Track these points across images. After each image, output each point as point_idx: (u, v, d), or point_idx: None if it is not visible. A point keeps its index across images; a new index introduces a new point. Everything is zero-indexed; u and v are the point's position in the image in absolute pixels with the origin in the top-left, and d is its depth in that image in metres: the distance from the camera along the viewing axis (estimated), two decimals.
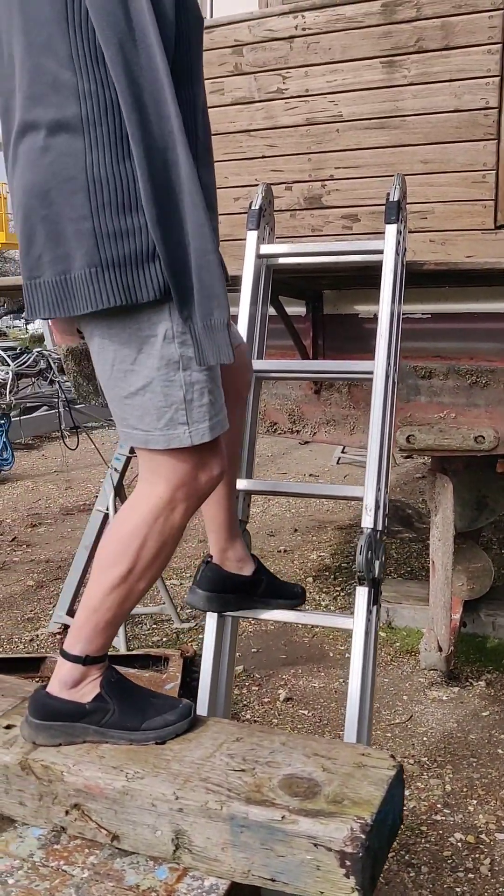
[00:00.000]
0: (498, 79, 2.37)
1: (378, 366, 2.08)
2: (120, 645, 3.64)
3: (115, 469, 3.89)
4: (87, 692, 1.56)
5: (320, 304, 2.97)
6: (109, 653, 3.90)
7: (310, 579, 4.69)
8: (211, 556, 1.99)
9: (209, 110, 2.66)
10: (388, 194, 2.16)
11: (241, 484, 2.13)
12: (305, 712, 3.17)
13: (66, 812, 1.42)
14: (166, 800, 1.32)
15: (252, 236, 2.26)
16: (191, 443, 1.45)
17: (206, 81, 2.69)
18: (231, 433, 1.67)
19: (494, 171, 2.42)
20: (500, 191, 2.42)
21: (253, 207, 2.29)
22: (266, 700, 3.28)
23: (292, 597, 2.07)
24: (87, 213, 1.36)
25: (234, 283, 1.94)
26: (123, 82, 1.28)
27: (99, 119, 1.34)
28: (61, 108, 1.35)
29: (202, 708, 1.94)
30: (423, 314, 2.69)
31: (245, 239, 2.31)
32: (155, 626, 4.06)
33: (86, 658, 1.57)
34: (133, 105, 1.29)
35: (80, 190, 1.36)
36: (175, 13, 1.34)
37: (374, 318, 1.97)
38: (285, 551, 5.27)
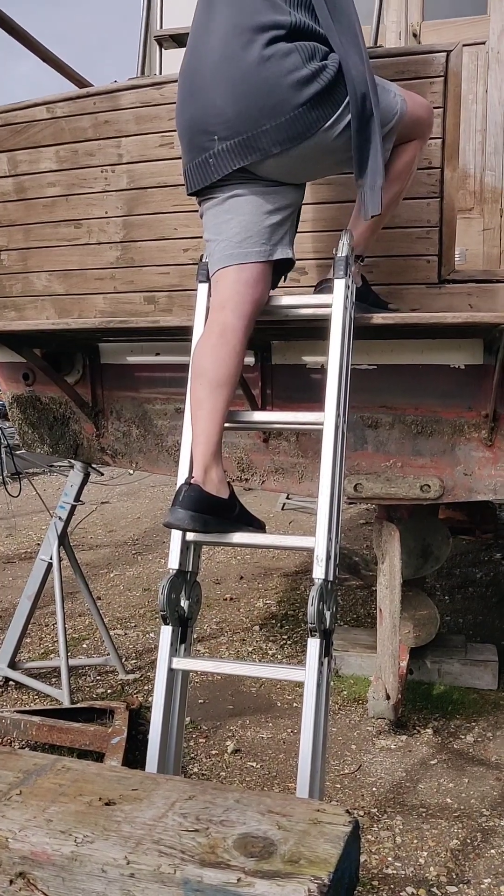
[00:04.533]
0: (440, 140, 2.46)
1: (328, 417, 2.10)
2: (63, 698, 3.54)
3: (60, 517, 3.83)
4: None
5: (269, 355, 3.00)
6: (50, 706, 3.76)
7: (256, 627, 4.66)
8: (192, 478, 2.07)
9: (160, 162, 2.71)
10: (336, 250, 2.21)
11: (191, 535, 2.12)
12: (254, 764, 3.12)
13: (11, 881, 1.36)
14: (117, 864, 1.27)
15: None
16: None
17: (156, 136, 2.76)
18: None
19: (438, 228, 2.50)
20: (444, 247, 2.50)
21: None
22: (214, 752, 3.22)
23: (260, 526, 2.20)
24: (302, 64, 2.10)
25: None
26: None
27: (294, 30, 2.11)
28: (278, 16, 2.11)
29: (152, 765, 1.89)
30: (369, 366, 2.74)
31: (196, 290, 2.34)
32: (99, 677, 3.97)
33: None
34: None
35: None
36: None
37: (322, 369, 1.99)
38: (231, 599, 5.23)
